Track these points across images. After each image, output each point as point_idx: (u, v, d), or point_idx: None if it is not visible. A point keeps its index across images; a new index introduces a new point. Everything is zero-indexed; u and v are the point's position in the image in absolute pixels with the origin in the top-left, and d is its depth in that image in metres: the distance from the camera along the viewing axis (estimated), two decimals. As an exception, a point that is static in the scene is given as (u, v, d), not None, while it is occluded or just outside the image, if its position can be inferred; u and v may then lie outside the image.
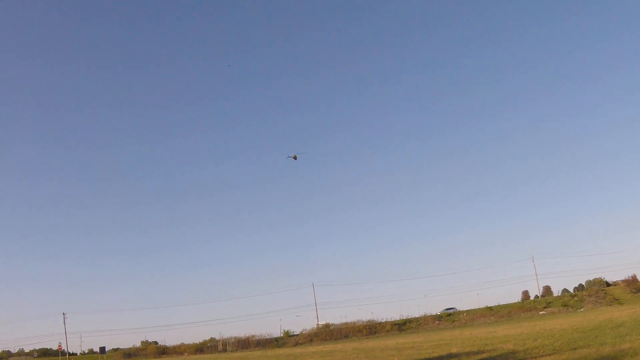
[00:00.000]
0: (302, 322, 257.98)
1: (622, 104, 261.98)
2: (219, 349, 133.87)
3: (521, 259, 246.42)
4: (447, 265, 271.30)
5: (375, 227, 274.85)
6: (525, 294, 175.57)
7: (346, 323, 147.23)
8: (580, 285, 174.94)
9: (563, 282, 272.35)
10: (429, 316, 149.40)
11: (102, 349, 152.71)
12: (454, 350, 37.43)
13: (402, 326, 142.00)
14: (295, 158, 71.98)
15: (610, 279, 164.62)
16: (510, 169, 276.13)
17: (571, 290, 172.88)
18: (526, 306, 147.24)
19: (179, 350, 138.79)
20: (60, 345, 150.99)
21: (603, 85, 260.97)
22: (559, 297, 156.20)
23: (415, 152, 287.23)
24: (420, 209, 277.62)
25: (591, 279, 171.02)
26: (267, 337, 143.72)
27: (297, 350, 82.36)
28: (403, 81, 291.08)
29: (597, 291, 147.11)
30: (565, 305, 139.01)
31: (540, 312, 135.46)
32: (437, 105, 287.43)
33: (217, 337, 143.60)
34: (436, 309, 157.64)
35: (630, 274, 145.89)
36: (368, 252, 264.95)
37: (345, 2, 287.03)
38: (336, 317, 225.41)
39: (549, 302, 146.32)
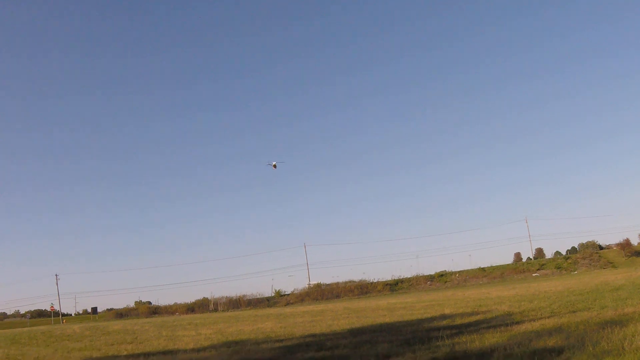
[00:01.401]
0: (294, 282, 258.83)
1: (619, 60, 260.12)
2: (210, 309, 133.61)
3: (514, 220, 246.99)
4: (439, 225, 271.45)
5: (367, 187, 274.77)
6: (518, 256, 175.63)
7: (337, 283, 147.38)
8: (573, 248, 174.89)
9: (555, 244, 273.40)
10: (420, 276, 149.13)
11: (94, 309, 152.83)
12: (447, 311, 36.54)
13: (394, 286, 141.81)
14: (275, 166, 71.93)
15: (603, 242, 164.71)
16: (504, 130, 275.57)
17: (563, 252, 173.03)
18: (519, 268, 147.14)
19: (170, 310, 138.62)
20: (52, 306, 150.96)
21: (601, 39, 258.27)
22: (552, 259, 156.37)
23: (406, 114, 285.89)
24: (413, 169, 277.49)
25: (584, 241, 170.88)
26: (259, 296, 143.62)
27: (288, 309, 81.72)
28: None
29: (591, 254, 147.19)
30: (558, 267, 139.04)
31: (534, 274, 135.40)
32: (430, 58, 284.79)
33: (209, 297, 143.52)
34: (428, 270, 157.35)
35: (623, 238, 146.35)
36: (360, 213, 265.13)
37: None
38: (328, 276, 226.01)
39: (542, 264, 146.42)
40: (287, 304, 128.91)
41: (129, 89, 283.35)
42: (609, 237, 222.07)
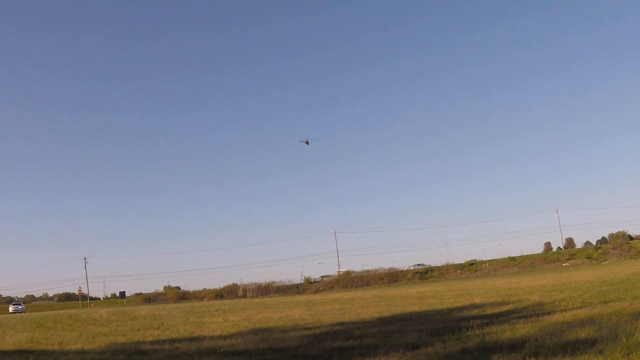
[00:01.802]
0: (324, 269, 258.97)
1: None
2: (239, 295, 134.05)
3: (544, 210, 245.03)
4: (470, 214, 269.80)
5: (398, 174, 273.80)
6: (548, 246, 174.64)
7: (367, 270, 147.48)
8: (603, 238, 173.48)
9: (586, 234, 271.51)
10: (450, 265, 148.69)
11: (122, 294, 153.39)
12: (477, 301, 36.23)
13: (424, 275, 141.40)
14: (307, 143, 71.19)
15: (633, 232, 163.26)
16: (536, 120, 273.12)
17: (594, 242, 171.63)
18: (549, 257, 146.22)
19: (199, 295, 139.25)
20: (80, 290, 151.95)
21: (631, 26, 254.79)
22: (582, 249, 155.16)
23: (436, 102, 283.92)
24: (445, 158, 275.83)
25: (614, 232, 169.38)
26: (288, 283, 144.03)
27: (317, 297, 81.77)
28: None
29: (621, 244, 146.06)
30: (588, 257, 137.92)
31: (564, 264, 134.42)
32: (458, 44, 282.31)
33: (238, 283, 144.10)
34: (458, 259, 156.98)
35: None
36: (391, 200, 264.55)
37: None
38: (358, 264, 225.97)
39: (573, 254, 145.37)
40: (317, 291, 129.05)
41: (156, 76, 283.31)
42: (639, 228, 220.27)
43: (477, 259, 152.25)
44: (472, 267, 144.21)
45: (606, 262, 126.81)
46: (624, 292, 32.79)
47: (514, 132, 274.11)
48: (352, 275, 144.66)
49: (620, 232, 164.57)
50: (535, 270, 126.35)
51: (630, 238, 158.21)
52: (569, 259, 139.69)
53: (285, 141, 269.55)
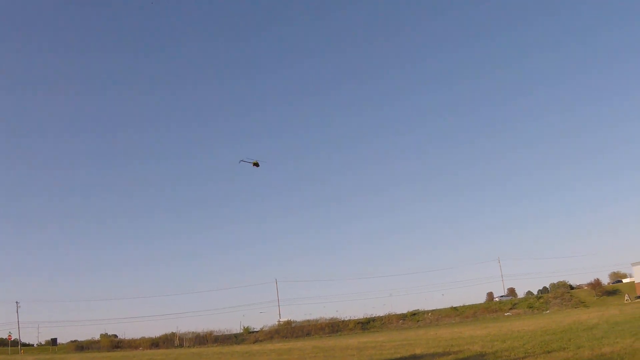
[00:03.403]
0: (265, 319, 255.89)
1: (591, 105, 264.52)
2: (176, 344, 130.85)
3: (486, 260, 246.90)
4: (412, 264, 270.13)
5: (341, 224, 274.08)
6: (490, 295, 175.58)
7: (308, 320, 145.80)
8: (545, 287, 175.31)
9: (527, 284, 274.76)
10: (393, 315, 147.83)
11: (54, 341, 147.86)
12: (417, 351, 35.17)
13: (366, 325, 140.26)
14: (256, 164, 62.20)
15: (574, 282, 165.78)
16: (477, 170, 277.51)
17: (535, 292, 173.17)
18: (492, 307, 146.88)
19: (134, 344, 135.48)
20: (10, 335, 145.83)
21: (576, 85, 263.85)
22: (524, 299, 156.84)
23: (380, 150, 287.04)
24: (386, 207, 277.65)
25: (555, 281, 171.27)
26: (227, 333, 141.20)
27: (255, 347, 79.82)
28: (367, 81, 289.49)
29: (562, 293, 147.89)
30: (530, 306, 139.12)
31: (506, 314, 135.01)
32: (406, 103, 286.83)
33: (176, 332, 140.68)
34: (401, 309, 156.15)
35: (593, 278, 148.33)
36: (333, 250, 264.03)
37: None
38: (300, 314, 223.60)
39: (515, 304, 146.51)
40: (256, 341, 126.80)
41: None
42: (579, 277, 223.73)
43: (420, 309, 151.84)
44: (414, 317, 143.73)
45: (548, 312, 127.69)
46: (567, 341, 32.26)
47: (455, 186, 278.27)
48: (293, 325, 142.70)
49: (561, 281, 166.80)
50: (477, 320, 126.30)
51: (571, 287, 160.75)
52: (511, 309, 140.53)
53: (226, 192, 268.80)
